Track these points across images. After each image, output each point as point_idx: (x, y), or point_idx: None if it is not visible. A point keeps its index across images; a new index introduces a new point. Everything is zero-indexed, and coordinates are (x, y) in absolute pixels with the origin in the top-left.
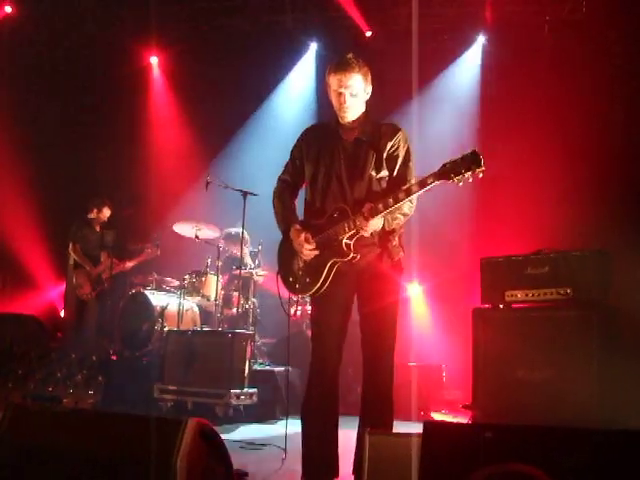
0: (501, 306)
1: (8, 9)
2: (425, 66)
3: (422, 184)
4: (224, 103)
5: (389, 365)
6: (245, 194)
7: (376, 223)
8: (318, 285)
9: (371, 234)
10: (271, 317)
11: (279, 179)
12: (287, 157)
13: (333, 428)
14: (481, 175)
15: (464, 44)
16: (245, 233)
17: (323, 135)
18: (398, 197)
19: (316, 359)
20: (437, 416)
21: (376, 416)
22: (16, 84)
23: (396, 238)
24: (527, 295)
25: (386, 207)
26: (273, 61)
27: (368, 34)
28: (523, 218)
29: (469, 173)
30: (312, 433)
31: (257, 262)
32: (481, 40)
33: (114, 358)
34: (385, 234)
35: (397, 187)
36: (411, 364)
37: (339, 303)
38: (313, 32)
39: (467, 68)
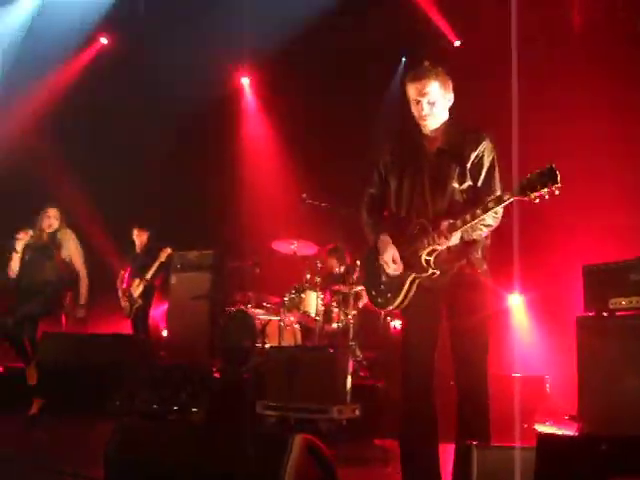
0: (605, 314)
1: (104, 41)
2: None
3: (499, 201)
4: (317, 120)
5: (483, 380)
6: (341, 210)
7: (453, 239)
8: (399, 301)
9: (450, 249)
10: (372, 331)
11: (365, 192)
12: None
13: (432, 445)
14: (557, 192)
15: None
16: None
17: (406, 146)
18: (475, 214)
19: (405, 377)
20: (541, 428)
21: (473, 432)
22: (110, 113)
23: (479, 250)
24: (631, 302)
25: (464, 223)
26: (366, 78)
27: (457, 44)
28: (624, 222)
29: (545, 190)
30: (409, 452)
31: (356, 277)
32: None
33: (217, 375)
34: (466, 246)
35: (479, 199)
36: (514, 375)
37: (425, 318)
38: (403, 46)
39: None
